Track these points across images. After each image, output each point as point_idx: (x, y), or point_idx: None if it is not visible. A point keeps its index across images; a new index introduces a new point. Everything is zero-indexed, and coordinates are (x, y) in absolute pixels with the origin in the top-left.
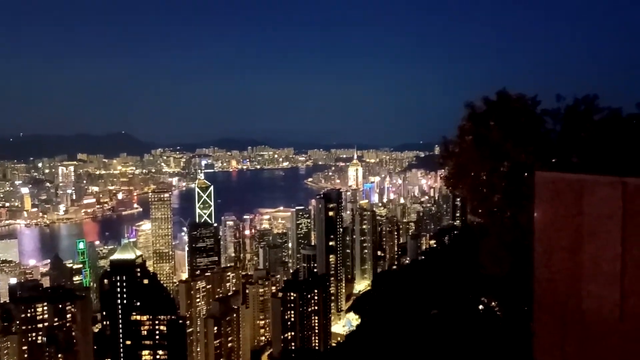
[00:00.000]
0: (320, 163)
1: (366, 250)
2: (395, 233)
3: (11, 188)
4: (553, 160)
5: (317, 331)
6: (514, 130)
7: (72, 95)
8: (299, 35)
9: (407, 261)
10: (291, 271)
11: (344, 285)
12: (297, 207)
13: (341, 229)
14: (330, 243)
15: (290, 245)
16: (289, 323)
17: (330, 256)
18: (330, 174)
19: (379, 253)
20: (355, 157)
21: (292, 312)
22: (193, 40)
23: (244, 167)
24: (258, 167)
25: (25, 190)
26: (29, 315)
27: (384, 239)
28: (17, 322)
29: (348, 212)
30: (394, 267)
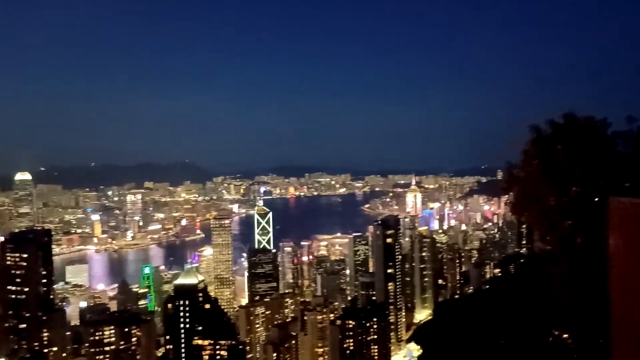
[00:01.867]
0: (377, 189)
1: (426, 279)
2: (457, 261)
3: (83, 215)
4: (626, 185)
5: None
6: (583, 154)
7: (138, 127)
8: (354, 60)
9: (470, 290)
10: (349, 298)
11: (403, 314)
12: (354, 234)
13: (400, 256)
14: (389, 270)
15: (347, 272)
16: (347, 352)
17: (389, 284)
18: (387, 200)
19: (439, 281)
20: (414, 182)
21: (351, 340)
22: (252, 68)
23: (301, 193)
24: (315, 193)
25: (96, 217)
26: (97, 338)
27: (445, 267)
28: (86, 344)
29: (407, 239)
30: (457, 296)
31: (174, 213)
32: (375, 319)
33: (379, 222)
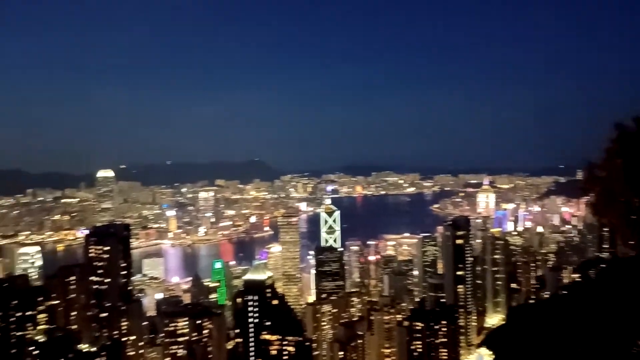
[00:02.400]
0: (447, 189)
1: (499, 282)
2: (532, 264)
3: (159, 211)
4: None
5: None
6: None
7: (211, 126)
8: (424, 58)
9: (546, 295)
10: (417, 300)
11: (474, 317)
12: (423, 234)
13: (471, 258)
14: (459, 272)
15: (415, 272)
16: (415, 354)
17: (459, 286)
18: (458, 200)
19: (513, 285)
20: (486, 182)
21: (419, 342)
22: (320, 68)
23: (369, 192)
24: (382, 192)
25: (171, 213)
26: (171, 329)
27: (519, 271)
28: (161, 335)
29: (478, 240)
30: (531, 301)
31: (243, 210)
32: (444, 322)
33: (449, 222)
